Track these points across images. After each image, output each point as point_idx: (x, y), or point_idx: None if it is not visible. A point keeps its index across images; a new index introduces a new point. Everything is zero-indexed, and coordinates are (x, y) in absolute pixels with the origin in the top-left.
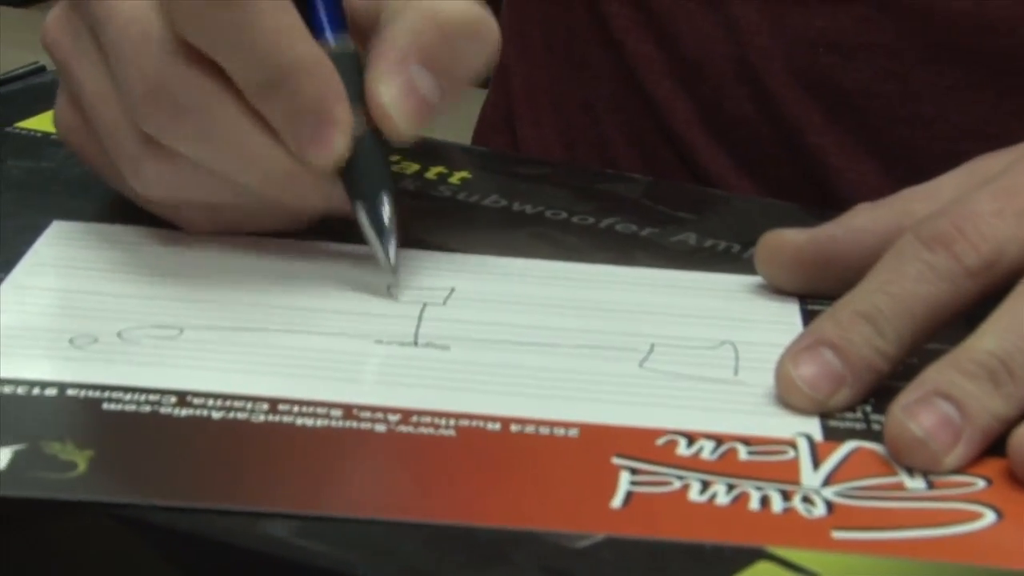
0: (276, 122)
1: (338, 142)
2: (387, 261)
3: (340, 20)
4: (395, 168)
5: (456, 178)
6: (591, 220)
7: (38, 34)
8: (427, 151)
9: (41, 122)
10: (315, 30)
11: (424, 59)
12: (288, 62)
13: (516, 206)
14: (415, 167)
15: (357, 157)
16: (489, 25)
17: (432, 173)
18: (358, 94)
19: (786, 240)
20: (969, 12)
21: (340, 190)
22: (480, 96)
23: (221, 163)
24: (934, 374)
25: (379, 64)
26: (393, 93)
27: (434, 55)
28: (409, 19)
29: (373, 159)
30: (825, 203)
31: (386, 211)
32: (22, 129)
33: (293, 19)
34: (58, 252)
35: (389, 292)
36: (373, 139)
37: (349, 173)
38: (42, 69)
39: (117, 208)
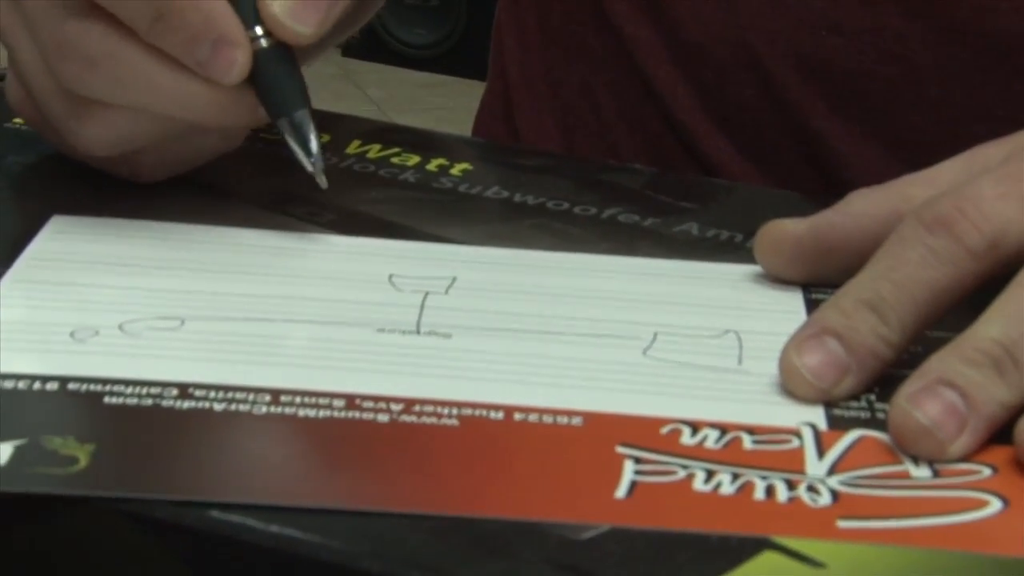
0: (175, 52)
1: (237, 56)
2: (312, 169)
3: None
4: (396, 160)
5: (457, 170)
6: (593, 211)
7: None
8: (428, 143)
9: None
10: None
11: None
12: None
13: (518, 197)
14: (416, 159)
15: (267, 75)
16: None
17: (433, 165)
18: (253, 12)
19: (786, 230)
20: None
21: (259, 106)
22: (480, 87)
23: (139, 101)
24: (938, 363)
25: None
26: (283, 2)
27: None
28: None
29: (284, 75)
30: (829, 188)
31: (305, 124)
32: (20, 124)
33: None
34: (58, 246)
35: (318, 180)
36: (280, 55)
37: (264, 93)
38: None
39: (116, 202)
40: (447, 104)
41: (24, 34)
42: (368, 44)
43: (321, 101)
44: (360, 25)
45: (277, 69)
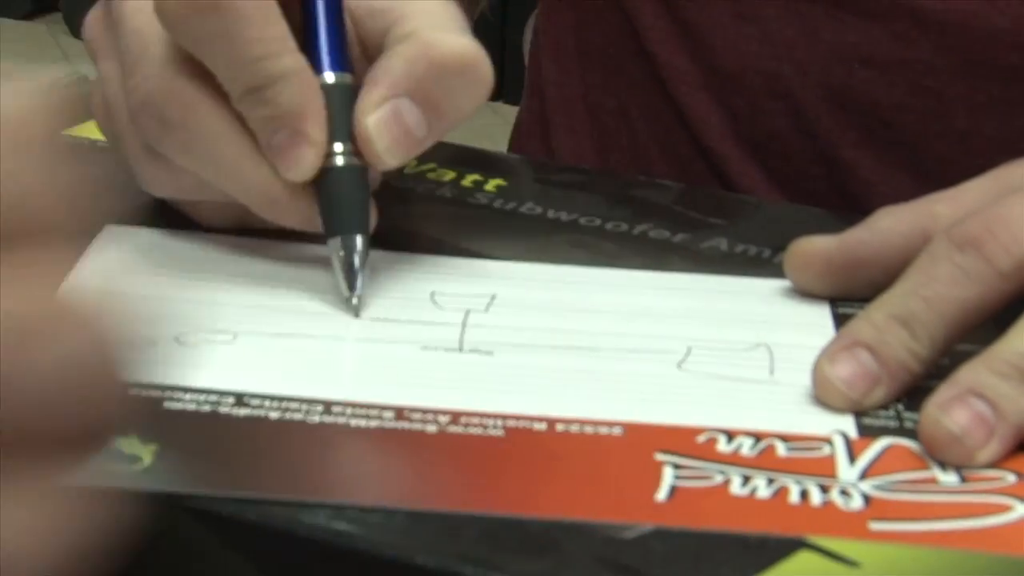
0: (255, 128)
1: (307, 156)
2: (349, 300)
3: (341, 59)
4: (431, 175)
5: (492, 185)
6: (624, 227)
7: (40, 46)
8: (462, 158)
9: (88, 129)
10: (316, 66)
11: (413, 92)
12: (269, 71)
13: (551, 213)
14: (451, 174)
15: (338, 192)
16: (483, 66)
17: (468, 180)
18: (347, 130)
19: (815, 247)
20: (1005, 28)
21: (317, 218)
22: (507, 111)
23: (205, 173)
24: (968, 374)
25: (369, 92)
26: (378, 121)
27: (424, 89)
28: (405, 50)
29: (350, 196)
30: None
31: (358, 250)
32: (70, 136)
33: (279, 30)
34: (111, 256)
35: (351, 311)
36: (354, 177)
37: (326, 207)
38: (85, 79)
39: (168, 212)
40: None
41: (114, 62)
42: None
43: None
44: None
45: (345, 188)
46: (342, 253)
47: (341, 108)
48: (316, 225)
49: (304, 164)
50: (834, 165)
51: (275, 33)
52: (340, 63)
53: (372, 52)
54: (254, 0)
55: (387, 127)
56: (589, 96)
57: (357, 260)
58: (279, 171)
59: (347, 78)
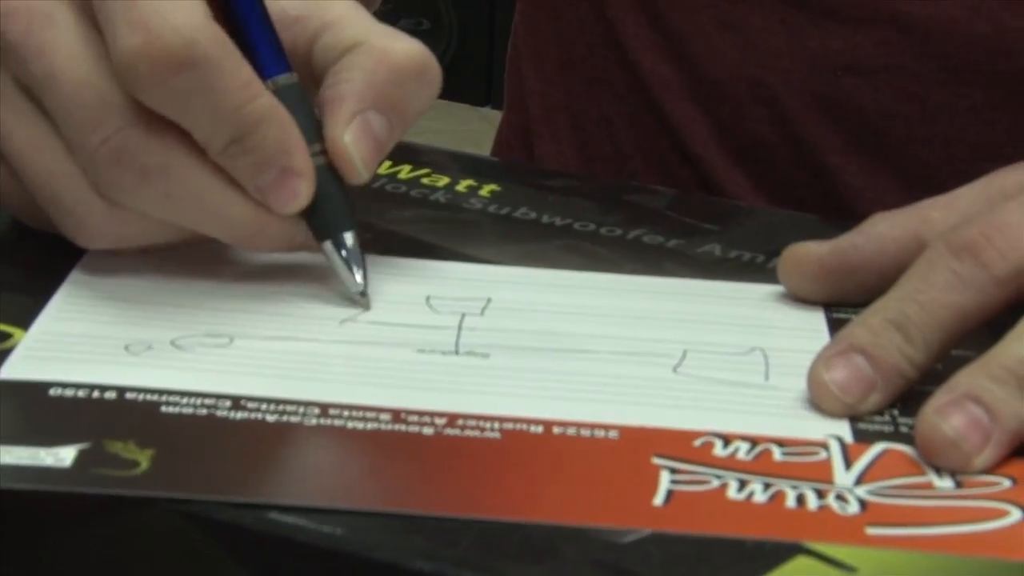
0: (240, 176)
1: (301, 189)
2: (359, 293)
3: (283, 61)
4: (425, 181)
5: (486, 191)
6: (619, 231)
7: None
8: (456, 164)
9: None
10: (260, 74)
11: (378, 102)
12: (250, 117)
13: (545, 218)
14: (446, 180)
15: (317, 196)
16: (434, 66)
17: (462, 186)
18: (310, 129)
19: (809, 252)
20: (988, 35)
21: (305, 230)
22: (495, 116)
23: (186, 219)
24: (965, 378)
25: (339, 110)
26: (353, 138)
27: (387, 98)
28: (362, 61)
29: (333, 196)
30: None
31: (350, 245)
32: None
33: (249, 73)
34: (108, 262)
35: (362, 305)
36: (331, 176)
37: (311, 213)
38: None
39: None
40: (436, 127)
41: (23, 111)
42: None
43: None
44: None
45: (327, 189)
46: (342, 253)
47: (298, 109)
48: (298, 245)
49: (300, 198)
50: (819, 171)
51: (247, 76)
52: (283, 64)
53: (296, 60)
54: (219, 46)
55: (361, 142)
56: (572, 105)
57: (355, 255)
58: (273, 209)
59: (294, 77)
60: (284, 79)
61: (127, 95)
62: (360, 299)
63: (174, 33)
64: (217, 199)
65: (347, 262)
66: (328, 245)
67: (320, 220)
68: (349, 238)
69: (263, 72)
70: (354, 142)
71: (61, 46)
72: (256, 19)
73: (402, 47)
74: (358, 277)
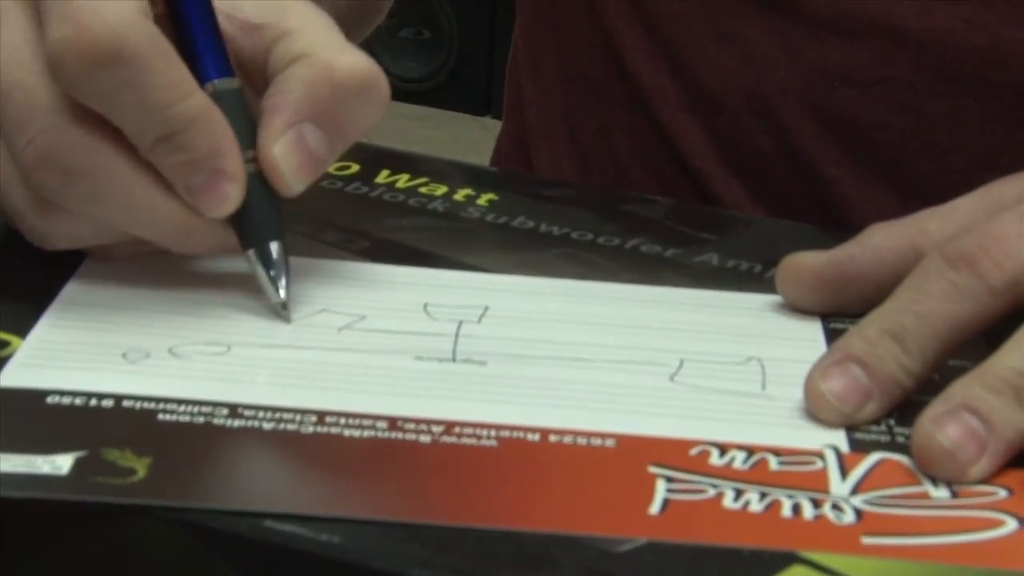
0: (169, 175)
1: (231, 192)
2: (280, 305)
3: (225, 66)
4: (423, 190)
5: (484, 200)
6: (616, 241)
7: None
8: (454, 173)
9: None
10: (200, 77)
11: (316, 116)
12: (180, 116)
13: (543, 227)
14: (444, 188)
15: (246, 203)
16: (381, 82)
17: (460, 195)
18: (246, 136)
19: (806, 262)
20: (983, 46)
21: (233, 236)
22: (495, 126)
23: (115, 219)
24: (961, 389)
25: (273, 120)
26: (284, 150)
27: (327, 112)
28: (304, 74)
29: (262, 205)
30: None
31: (275, 256)
32: None
33: (181, 72)
34: (106, 270)
35: (283, 318)
36: (262, 184)
37: (239, 219)
38: None
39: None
40: (437, 136)
41: None
42: None
43: None
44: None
45: (255, 197)
46: (270, 260)
47: (236, 115)
48: (229, 248)
49: (229, 201)
50: (816, 182)
51: (179, 75)
52: (224, 69)
53: (251, 69)
54: (151, 43)
55: (293, 154)
56: (570, 117)
57: (280, 266)
58: (202, 211)
59: (235, 83)
60: (224, 83)
61: (59, 96)
62: (281, 312)
63: (104, 27)
64: (144, 199)
65: (271, 274)
66: (251, 254)
67: (247, 228)
68: (275, 248)
69: (204, 75)
70: (284, 154)
71: (3, 47)
72: (199, 21)
73: (348, 61)
74: (281, 289)
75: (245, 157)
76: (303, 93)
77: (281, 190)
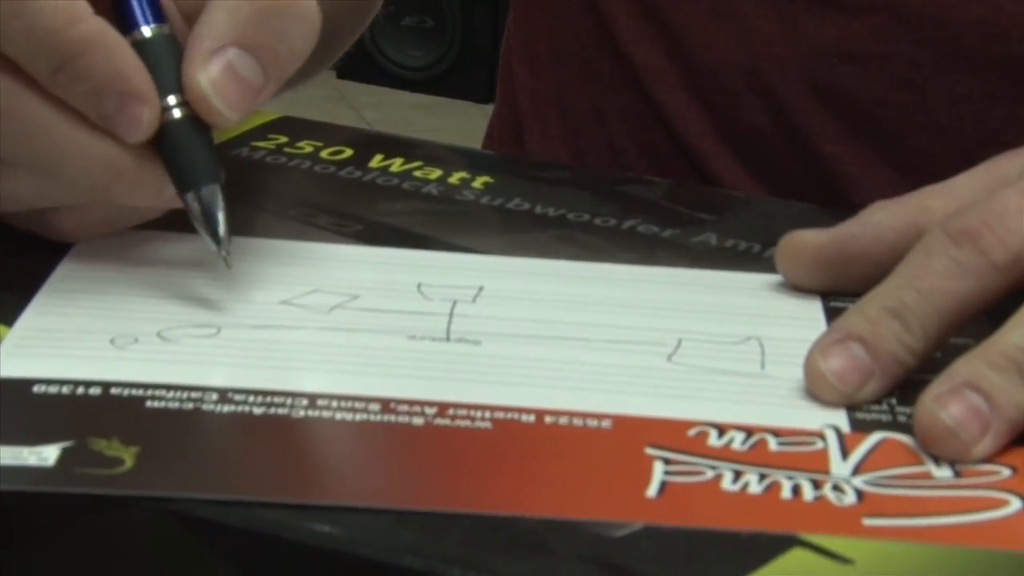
0: (80, 107)
1: (143, 113)
2: (218, 251)
3: (155, 11)
4: (418, 173)
5: (479, 182)
6: (613, 222)
7: None
8: (449, 157)
9: None
10: (129, 23)
11: (243, 42)
12: (73, 40)
13: (539, 209)
14: (438, 172)
15: (179, 147)
16: (309, 3)
17: (455, 178)
18: (175, 78)
19: (807, 240)
20: (984, 21)
21: (170, 185)
22: (474, 108)
23: (39, 161)
24: (964, 367)
25: (195, 49)
26: (212, 78)
27: (254, 37)
28: (226, 2)
29: (195, 148)
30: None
31: (208, 200)
32: None
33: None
34: (93, 256)
35: (224, 263)
36: (194, 127)
37: (174, 164)
38: None
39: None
40: (440, 125)
41: None
42: (362, 66)
43: None
44: (343, 50)
45: (188, 140)
46: (199, 207)
47: (166, 61)
48: (169, 198)
49: (143, 122)
50: (815, 160)
51: (66, 2)
52: (154, 15)
53: (189, 11)
54: None
55: (224, 83)
56: (563, 100)
57: (215, 210)
58: (121, 137)
59: (165, 28)
60: (153, 29)
61: None
62: (221, 256)
63: None
64: (66, 137)
65: (209, 217)
66: (189, 197)
67: (181, 173)
68: (209, 192)
69: (129, 21)
70: (212, 82)
71: None
72: None
73: None
74: (221, 232)
75: (177, 101)
76: (224, 19)
77: (215, 120)
